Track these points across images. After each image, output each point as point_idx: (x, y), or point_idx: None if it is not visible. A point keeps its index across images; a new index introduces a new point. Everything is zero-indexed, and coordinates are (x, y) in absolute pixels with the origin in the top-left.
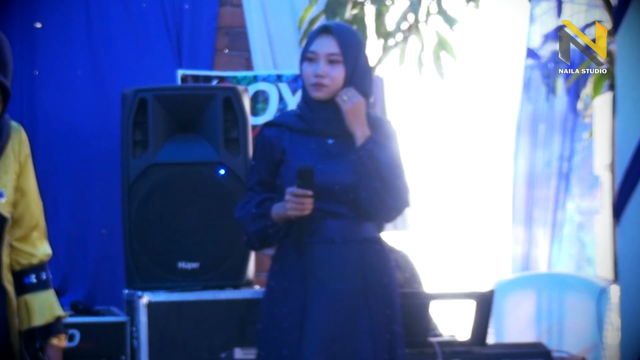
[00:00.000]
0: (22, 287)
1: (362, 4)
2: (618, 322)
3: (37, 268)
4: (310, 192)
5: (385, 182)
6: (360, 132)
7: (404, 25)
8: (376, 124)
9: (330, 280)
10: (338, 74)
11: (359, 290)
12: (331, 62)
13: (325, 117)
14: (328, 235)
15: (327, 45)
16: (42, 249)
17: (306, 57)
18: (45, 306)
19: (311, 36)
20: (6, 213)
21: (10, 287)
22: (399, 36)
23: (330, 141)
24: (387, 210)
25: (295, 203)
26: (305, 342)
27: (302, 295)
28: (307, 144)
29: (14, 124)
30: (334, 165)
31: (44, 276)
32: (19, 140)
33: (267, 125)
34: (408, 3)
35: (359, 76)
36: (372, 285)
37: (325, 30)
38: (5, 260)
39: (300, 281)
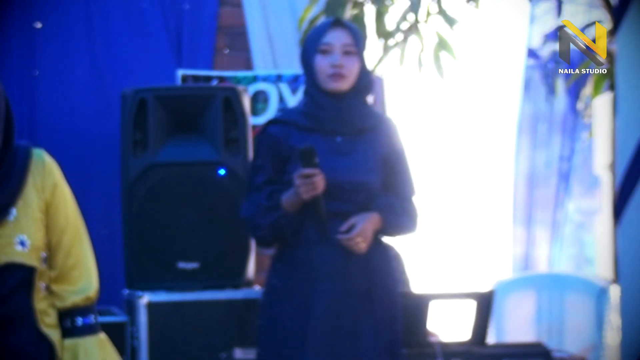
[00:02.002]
0: (62, 331)
1: (362, 4)
2: (618, 322)
3: (72, 312)
4: (318, 171)
5: (402, 226)
6: (377, 224)
7: (404, 25)
8: (378, 121)
9: (335, 280)
10: (354, 65)
11: (363, 290)
12: (347, 53)
13: (333, 115)
14: (334, 236)
15: (341, 37)
16: (81, 290)
17: (319, 49)
18: (69, 355)
19: (320, 30)
20: (32, 262)
21: (52, 331)
22: (399, 36)
23: (338, 139)
24: (399, 235)
25: (307, 184)
26: (308, 342)
27: (306, 295)
28: (315, 141)
29: (36, 153)
30: (344, 162)
31: (79, 322)
32: (42, 171)
33: (272, 122)
34: (408, 3)
35: (368, 70)
36: (376, 286)
37: (337, 23)
38: (40, 306)
39: (304, 281)
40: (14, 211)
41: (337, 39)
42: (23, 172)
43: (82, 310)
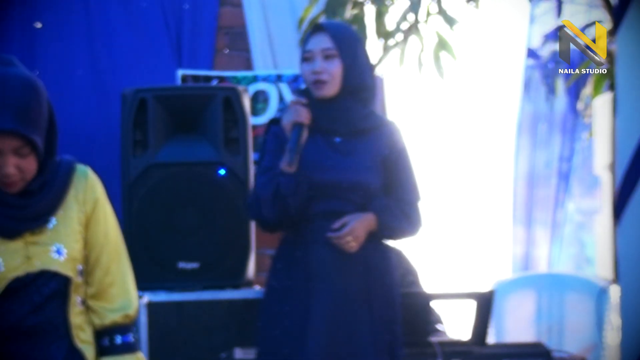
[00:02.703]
0: (99, 350)
1: (362, 4)
2: (618, 322)
3: (111, 330)
4: (305, 101)
5: (399, 229)
6: (371, 224)
7: (404, 25)
8: (379, 123)
9: (333, 280)
10: (335, 68)
11: (361, 290)
12: (327, 57)
13: (331, 116)
14: (325, 234)
15: (321, 42)
16: (120, 308)
17: (303, 57)
18: None
19: (306, 37)
20: (67, 272)
21: (87, 347)
22: (399, 36)
23: (337, 139)
24: (401, 237)
25: (290, 109)
26: (307, 341)
27: (304, 295)
28: (315, 141)
29: (79, 167)
30: (342, 162)
31: (118, 340)
32: (85, 185)
33: (274, 122)
34: (408, 3)
35: (358, 70)
36: (374, 286)
37: (317, 28)
38: (75, 321)
39: (302, 280)
40: (53, 220)
41: (316, 44)
42: (65, 183)
43: (121, 328)
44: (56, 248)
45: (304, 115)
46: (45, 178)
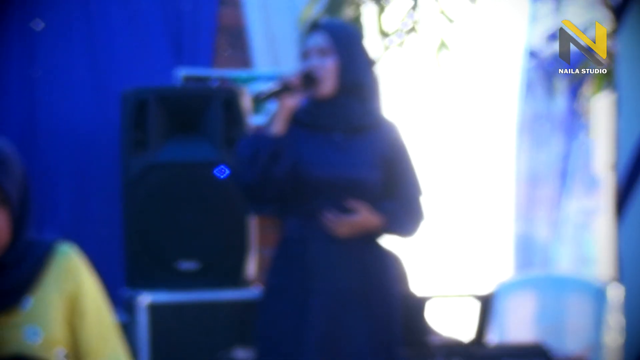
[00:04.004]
0: None
1: (362, 3)
2: (618, 322)
3: None
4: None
5: (400, 232)
6: (373, 227)
7: (404, 25)
8: (378, 120)
9: (331, 279)
10: (330, 64)
11: (359, 290)
12: (322, 54)
13: (330, 112)
14: (329, 234)
15: (317, 40)
16: None
17: (302, 55)
18: None
19: (305, 36)
20: (42, 355)
21: None
22: (399, 36)
23: (336, 136)
24: (403, 236)
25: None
26: (304, 341)
27: (302, 294)
28: (314, 137)
29: (62, 247)
30: (342, 159)
31: None
32: (66, 266)
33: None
34: (408, 3)
35: (356, 67)
36: (372, 285)
37: (314, 26)
38: None
39: (300, 279)
40: (29, 300)
41: (312, 42)
42: (42, 261)
43: None
44: (30, 331)
45: (291, 79)
46: (19, 253)
